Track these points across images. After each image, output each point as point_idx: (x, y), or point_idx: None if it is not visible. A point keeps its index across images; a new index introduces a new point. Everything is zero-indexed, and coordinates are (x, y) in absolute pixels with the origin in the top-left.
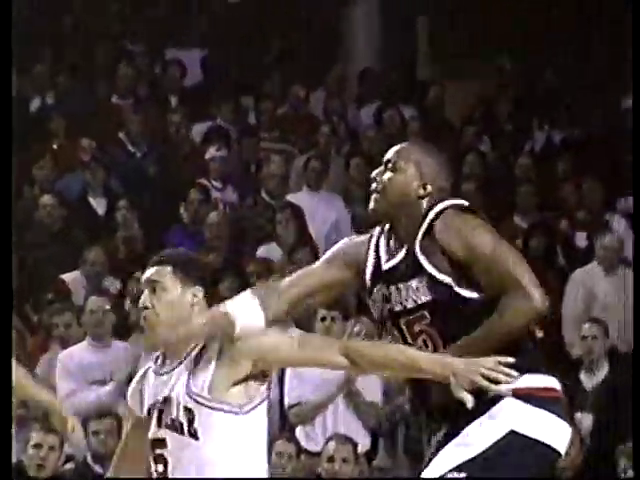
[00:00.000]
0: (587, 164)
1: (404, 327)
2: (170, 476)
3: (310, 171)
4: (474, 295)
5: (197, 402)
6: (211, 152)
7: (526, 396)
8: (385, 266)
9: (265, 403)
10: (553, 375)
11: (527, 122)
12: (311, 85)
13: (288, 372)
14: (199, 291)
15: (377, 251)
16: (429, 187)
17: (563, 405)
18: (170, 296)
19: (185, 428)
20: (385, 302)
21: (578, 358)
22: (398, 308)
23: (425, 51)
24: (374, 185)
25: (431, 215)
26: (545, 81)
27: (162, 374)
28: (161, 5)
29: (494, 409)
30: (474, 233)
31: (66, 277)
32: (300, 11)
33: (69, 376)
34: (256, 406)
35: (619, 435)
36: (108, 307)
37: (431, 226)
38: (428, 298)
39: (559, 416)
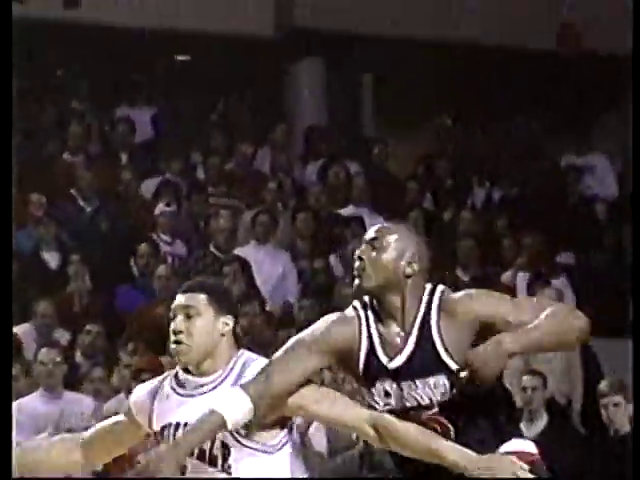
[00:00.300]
0: (527, 220)
1: (411, 417)
2: None
3: (258, 225)
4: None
5: (234, 439)
6: (160, 207)
7: None
8: (391, 364)
9: (289, 443)
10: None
11: (467, 179)
12: (258, 142)
13: None
14: (230, 320)
15: (370, 337)
16: (415, 266)
17: (539, 468)
18: (203, 322)
19: (219, 462)
20: (387, 397)
21: (518, 409)
22: (409, 404)
23: (370, 109)
24: (358, 263)
25: (436, 301)
26: (484, 139)
27: (183, 395)
28: (112, 64)
29: None
30: (488, 294)
31: (17, 329)
32: (246, 68)
33: (18, 428)
34: (283, 445)
35: None
36: (59, 359)
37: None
38: (447, 397)
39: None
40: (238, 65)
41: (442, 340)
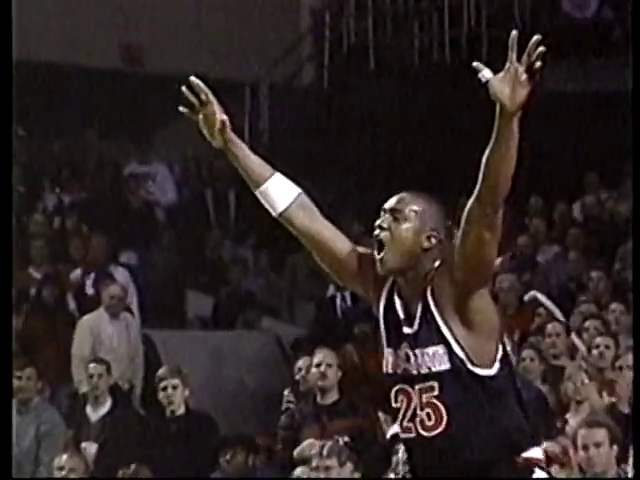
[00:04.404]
0: (94, 221)
1: (416, 393)
2: None
3: None
4: (485, 372)
5: None
6: None
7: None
8: (407, 330)
9: None
10: None
11: (40, 184)
12: None
13: None
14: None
15: (392, 301)
16: (433, 240)
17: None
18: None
19: None
20: (407, 361)
21: (84, 393)
22: (414, 372)
23: None
24: (378, 232)
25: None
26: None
27: None
28: None
29: None
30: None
31: None
32: None
33: None
34: None
35: (120, 461)
36: None
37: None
38: (445, 367)
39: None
40: None
41: (440, 313)
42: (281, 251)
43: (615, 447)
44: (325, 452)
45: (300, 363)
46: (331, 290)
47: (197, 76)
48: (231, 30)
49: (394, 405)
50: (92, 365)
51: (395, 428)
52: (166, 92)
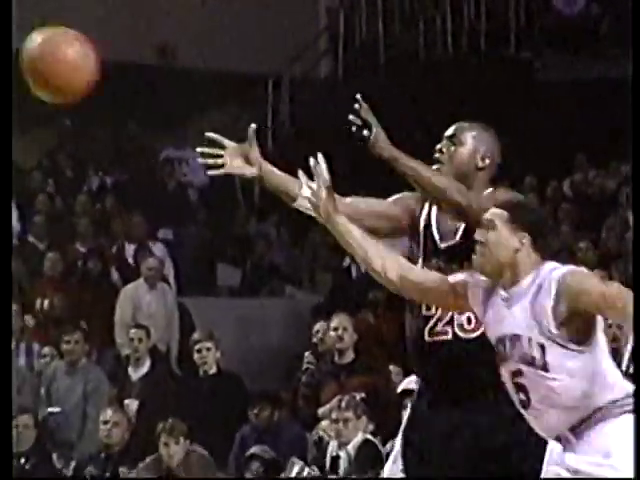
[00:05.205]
0: (134, 200)
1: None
2: (532, 402)
3: None
4: None
5: (549, 339)
6: None
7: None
8: (443, 244)
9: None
10: None
11: (84, 168)
12: None
13: None
14: (524, 237)
15: (429, 220)
16: (487, 160)
17: None
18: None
19: (537, 362)
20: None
21: (126, 355)
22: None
23: None
24: (438, 155)
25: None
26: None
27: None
28: None
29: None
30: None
31: None
32: None
33: None
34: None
35: (159, 416)
36: None
37: None
38: None
39: None
40: None
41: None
42: (301, 227)
43: None
44: (343, 405)
45: (318, 327)
46: (347, 261)
47: (224, 70)
48: (255, 29)
49: (424, 313)
50: (133, 330)
51: (406, 382)
52: (197, 85)
